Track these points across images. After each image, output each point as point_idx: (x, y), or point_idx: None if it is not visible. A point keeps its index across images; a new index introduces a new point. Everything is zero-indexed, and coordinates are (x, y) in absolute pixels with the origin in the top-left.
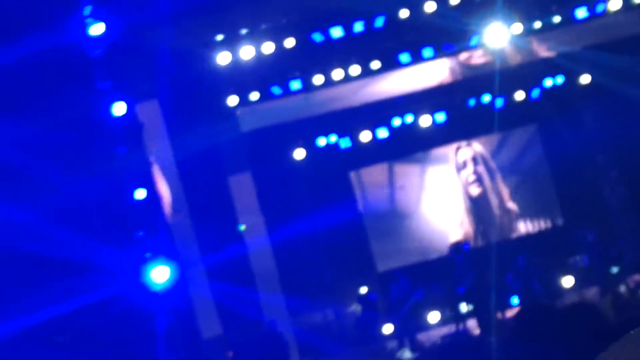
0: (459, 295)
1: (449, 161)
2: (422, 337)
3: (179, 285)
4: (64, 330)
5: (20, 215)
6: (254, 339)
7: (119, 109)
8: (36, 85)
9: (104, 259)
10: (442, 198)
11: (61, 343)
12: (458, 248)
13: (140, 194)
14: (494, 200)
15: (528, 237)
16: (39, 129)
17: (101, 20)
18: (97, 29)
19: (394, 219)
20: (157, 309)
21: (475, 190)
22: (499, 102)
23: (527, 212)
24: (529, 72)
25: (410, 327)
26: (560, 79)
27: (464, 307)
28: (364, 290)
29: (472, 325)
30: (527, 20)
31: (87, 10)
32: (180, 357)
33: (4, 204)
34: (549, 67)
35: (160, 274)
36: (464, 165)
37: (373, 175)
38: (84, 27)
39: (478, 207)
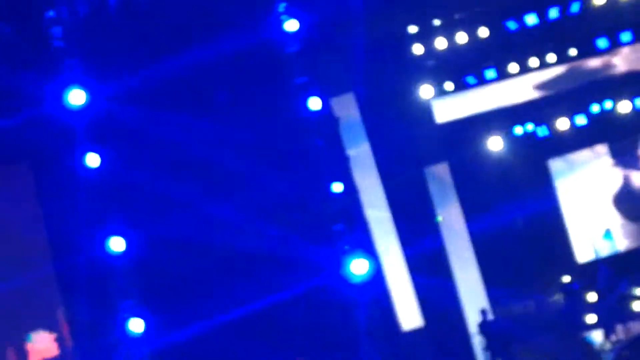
0: None
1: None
2: (626, 327)
3: (378, 277)
4: (269, 321)
5: (224, 213)
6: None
7: (315, 103)
8: (235, 83)
9: (305, 253)
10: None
11: (267, 334)
12: None
13: (337, 187)
14: None
15: None
16: (239, 126)
17: (295, 16)
18: (292, 25)
19: (590, 208)
20: (357, 301)
21: None
22: None
23: None
24: None
25: (614, 316)
26: None
27: None
28: (567, 279)
29: None
30: None
31: (282, 7)
32: (381, 349)
33: (210, 202)
34: None
35: (359, 267)
36: None
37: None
38: (280, 23)
39: None
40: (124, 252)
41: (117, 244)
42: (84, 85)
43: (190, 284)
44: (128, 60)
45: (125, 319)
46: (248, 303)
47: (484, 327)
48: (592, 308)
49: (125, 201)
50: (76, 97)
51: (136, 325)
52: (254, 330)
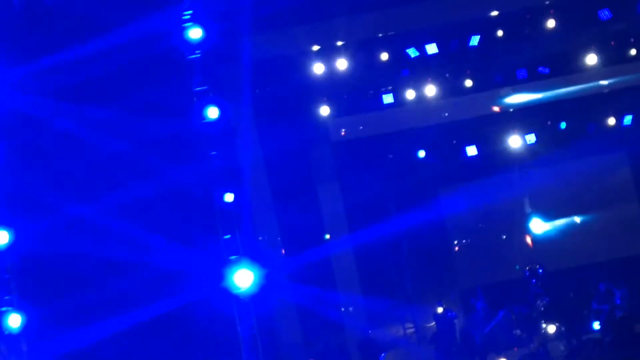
0: (537, 316)
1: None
2: (502, 356)
3: (262, 289)
4: (148, 334)
5: (107, 220)
6: (338, 347)
7: (213, 112)
8: (135, 86)
9: (190, 264)
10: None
11: (145, 347)
12: (533, 271)
13: (228, 197)
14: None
15: (610, 264)
16: (134, 130)
17: (200, 24)
18: (195, 33)
19: (478, 235)
20: (239, 314)
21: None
22: None
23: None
24: None
25: (491, 345)
26: None
27: (548, 328)
28: (440, 309)
29: (553, 346)
30: None
31: (187, 14)
32: None
33: (93, 209)
34: None
35: (244, 278)
36: None
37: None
38: (183, 30)
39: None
40: (9, 245)
41: (1, 237)
42: None
43: (73, 284)
44: (29, 52)
45: (3, 314)
46: (129, 315)
47: (362, 341)
48: (469, 335)
49: (14, 193)
50: None
51: (14, 321)
52: (134, 343)
